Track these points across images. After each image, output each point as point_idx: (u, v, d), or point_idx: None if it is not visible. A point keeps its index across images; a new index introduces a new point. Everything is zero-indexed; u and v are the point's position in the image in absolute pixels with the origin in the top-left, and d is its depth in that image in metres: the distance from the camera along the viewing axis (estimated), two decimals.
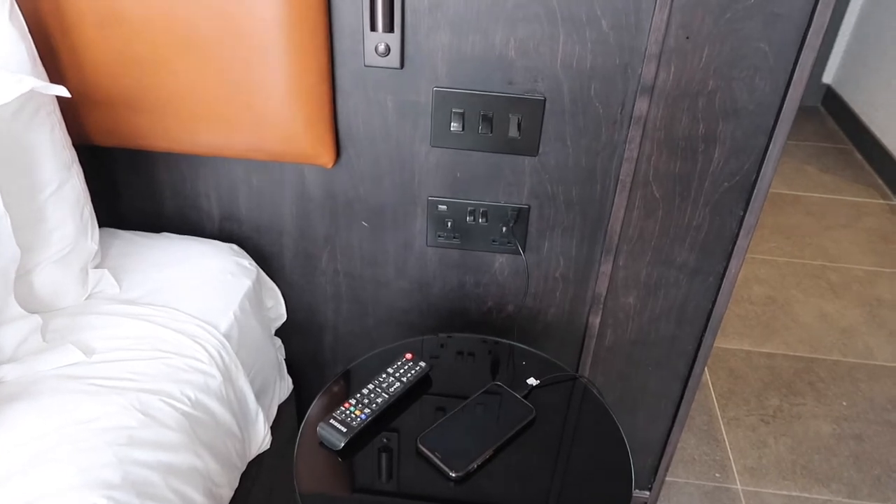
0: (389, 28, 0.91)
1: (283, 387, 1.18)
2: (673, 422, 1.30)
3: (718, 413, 1.83)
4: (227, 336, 0.96)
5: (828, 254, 2.51)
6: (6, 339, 0.82)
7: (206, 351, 0.90)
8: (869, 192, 2.89)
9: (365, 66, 0.95)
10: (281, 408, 1.15)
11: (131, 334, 0.88)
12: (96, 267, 0.96)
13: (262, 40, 0.90)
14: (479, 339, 1.04)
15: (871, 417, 1.85)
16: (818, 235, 2.60)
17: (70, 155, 0.91)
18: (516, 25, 0.91)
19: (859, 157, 3.11)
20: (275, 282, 1.17)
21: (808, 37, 0.88)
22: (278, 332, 1.19)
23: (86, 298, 0.93)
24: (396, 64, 0.95)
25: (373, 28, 0.91)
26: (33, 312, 0.86)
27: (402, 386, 0.94)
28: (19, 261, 0.82)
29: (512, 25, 0.91)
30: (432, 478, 0.83)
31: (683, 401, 1.26)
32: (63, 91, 0.78)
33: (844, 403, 1.90)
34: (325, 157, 1.01)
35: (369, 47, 0.94)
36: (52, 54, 0.92)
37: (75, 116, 0.98)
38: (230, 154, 1.02)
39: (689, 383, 1.23)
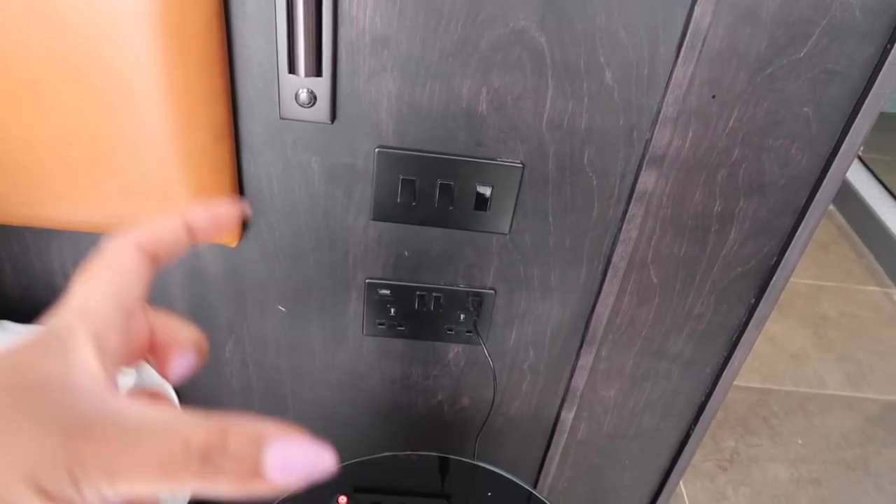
0: (315, 71, 0.65)
1: (180, 500, 0.93)
2: None
3: None
4: None
5: None
6: None
7: None
8: None
9: (281, 118, 0.69)
10: None
11: None
12: None
13: (131, 84, 0.62)
14: (427, 456, 0.82)
15: (828, 457, 1.76)
16: None
17: None
18: (491, 72, 0.67)
19: None
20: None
21: (867, 103, 0.68)
22: None
23: None
24: (325, 117, 0.69)
25: (291, 70, 0.65)
26: None
27: None
28: None
29: (485, 72, 0.67)
30: None
31: (661, 496, 1.08)
32: None
33: (800, 442, 1.80)
34: (226, 235, 0.74)
35: (287, 95, 0.67)
36: None
37: None
38: (91, 230, 0.74)
39: (670, 479, 1.05)
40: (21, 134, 0.65)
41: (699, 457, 1.71)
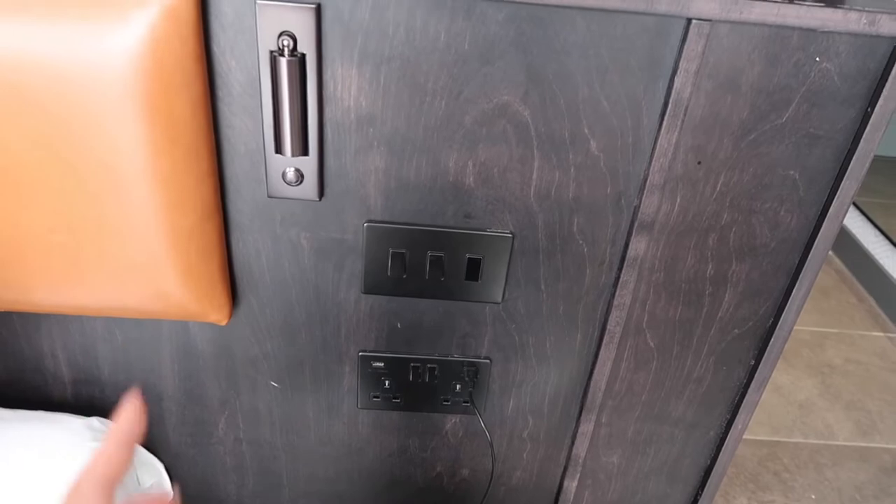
0: (302, 150, 0.65)
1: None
2: None
3: None
4: None
5: None
6: None
7: None
8: None
9: (269, 196, 0.69)
10: None
11: None
12: None
13: (116, 170, 0.62)
14: None
15: None
16: None
17: None
18: (477, 146, 0.67)
19: None
20: (156, 453, 0.88)
21: (852, 165, 0.68)
22: None
23: None
24: (313, 195, 0.69)
25: (278, 150, 0.65)
26: None
27: None
28: None
29: (471, 146, 0.67)
30: None
31: None
32: None
33: (813, 497, 1.75)
34: (216, 314, 0.74)
35: (274, 174, 0.67)
36: None
37: None
38: (79, 313, 0.73)
39: None
40: (5, 220, 0.65)
41: None
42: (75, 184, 0.63)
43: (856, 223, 2.73)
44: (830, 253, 2.81)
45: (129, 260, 0.68)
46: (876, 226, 2.63)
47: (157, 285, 0.69)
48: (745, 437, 1.92)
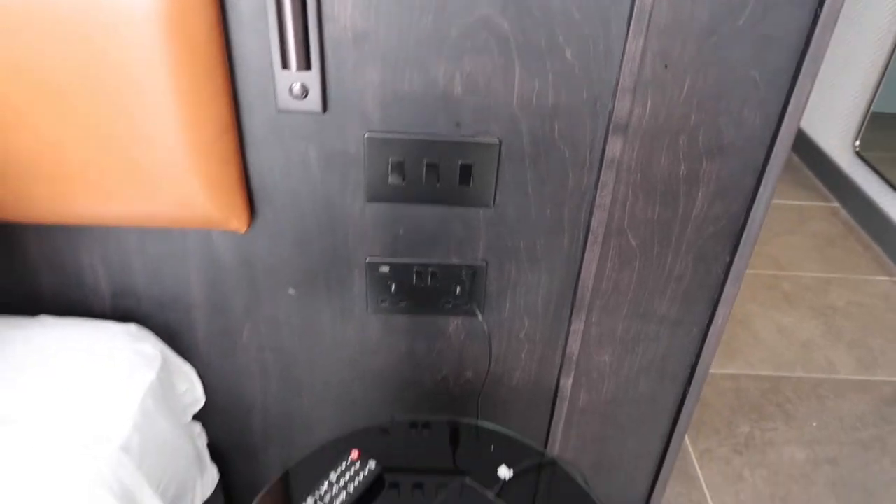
0: (305, 65, 0.74)
1: (207, 480, 0.99)
2: (655, 480, 1.17)
3: (689, 446, 1.72)
4: (125, 449, 0.76)
5: (778, 262, 2.45)
6: None
7: (99, 474, 0.70)
8: (810, 196, 2.87)
9: (278, 110, 0.77)
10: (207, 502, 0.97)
11: None
12: None
13: (141, 85, 0.71)
14: (436, 421, 0.88)
15: (843, 438, 1.78)
16: (767, 243, 2.54)
17: None
18: (462, 57, 0.75)
19: (797, 159, 3.09)
20: (189, 361, 0.97)
21: (805, 63, 0.75)
22: (197, 416, 1.00)
23: None
24: (317, 107, 0.77)
25: (284, 66, 0.74)
26: None
27: (349, 497, 0.77)
28: None
29: (457, 57, 0.75)
30: None
31: (666, 460, 1.12)
32: None
33: (815, 424, 1.82)
34: (236, 222, 0.83)
35: (282, 89, 0.76)
36: None
37: None
38: (115, 223, 0.82)
39: (672, 442, 1.10)
40: (49, 137, 0.74)
41: (714, 442, 1.73)
42: (109, 101, 0.72)
43: (862, 175, 2.76)
44: (836, 204, 2.84)
45: (157, 170, 0.76)
46: (883, 177, 2.66)
47: (182, 194, 0.78)
48: (747, 372, 1.99)
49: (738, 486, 1.62)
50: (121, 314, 0.94)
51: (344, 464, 0.81)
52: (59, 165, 0.76)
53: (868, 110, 2.57)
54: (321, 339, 0.98)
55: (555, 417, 1.07)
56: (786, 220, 2.70)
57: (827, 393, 1.93)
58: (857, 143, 2.70)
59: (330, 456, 0.82)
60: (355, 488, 0.79)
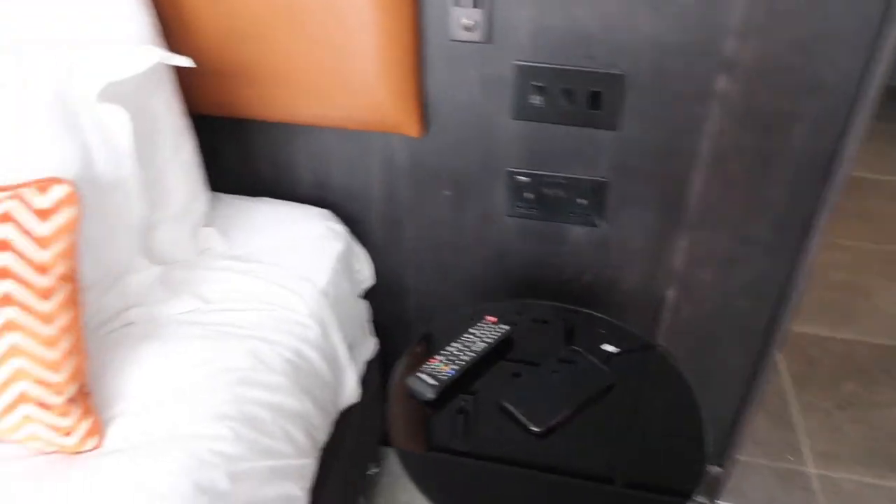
0: (476, 3, 0.96)
1: (369, 346, 1.26)
2: (746, 400, 1.32)
3: (793, 397, 1.82)
4: (323, 293, 1.03)
5: None
6: (134, 287, 0.92)
7: (306, 305, 0.98)
8: None
9: (450, 40, 1.01)
10: (367, 365, 1.23)
11: (240, 287, 0.97)
12: (206, 226, 1.05)
13: (355, 13, 0.96)
14: (557, 306, 1.09)
15: None
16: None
17: (184, 122, 1.00)
18: (598, 0, 0.94)
19: None
20: (365, 245, 1.24)
21: (890, 9, 0.88)
22: (365, 296, 1.27)
23: (198, 254, 1.02)
24: (481, 38, 0.99)
25: (457, 3, 0.96)
26: (155, 265, 0.96)
27: (486, 346, 0.99)
28: (145, 218, 0.92)
29: (594, 0, 0.94)
30: (514, 432, 0.89)
31: (756, 379, 1.27)
32: (188, 62, 0.87)
33: None
34: (413, 128, 1.07)
35: (454, 22, 0.99)
36: (165, 27, 1.00)
37: (182, 87, 1.06)
38: (324, 123, 1.09)
39: (763, 361, 1.24)
40: (286, 52, 1.01)
41: (818, 397, 1.82)
42: (331, 22, 0.97)
43: None
44: None
45: (358, 81, 1.02)
46: None
47: (374, 101, 1.03)
48: (861, 338, 2.03)
49: (835, 435, 1.71)
50: (318, 201, 1.21)
51: (482, 323, 1.04)
52: (289, 73, 1.03)
53: None
54: (466, 236, 1.21)
55: (658, 326, 1.25)
56: None
57: None
58: None
59: (468, 320, 1.05)
60: (491, 340, 1.01)
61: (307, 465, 0.92)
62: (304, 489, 0.90)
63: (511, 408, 0.90)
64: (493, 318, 1.04)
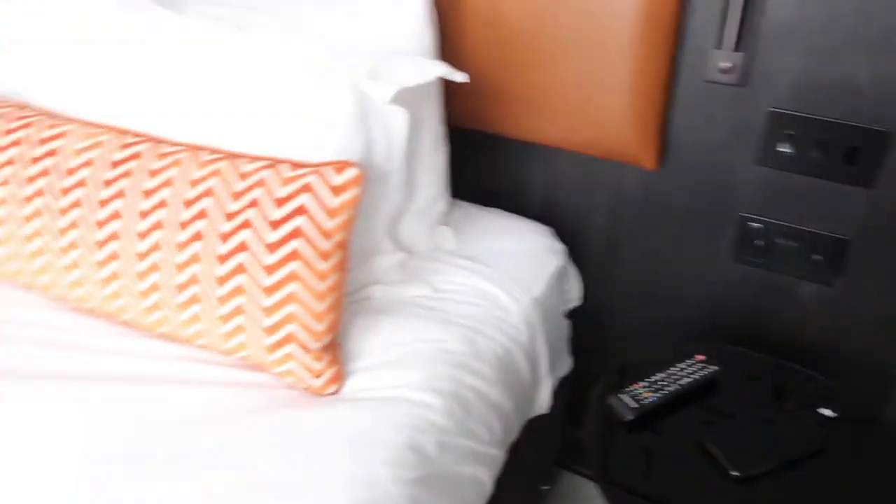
0: (737, 47, 0.97)
1: (566, 363, 1.29)
2: None
3: None
4: (537, 302, 1.09)
5: None
6: (378, 266, 1.05)
7: (521, 310, 1.05)
8: None
9: (705, 81, 1.02)
10: (559, 381, 1.27)
11: (465, 283, 1.06)
12: (443, 225, 1.16)
13: (615, 46, 1.01)
14: (771, 359, 1.05)
15: None
16: None
17: (442, 130, 1.12)
18: (876, 54, 0.91)
19: None
20: (576, 267, 1.28)
21: None
22: (567, 315, 1.31)
23: (433, 248, 1.13)
24: (736, 81, 1.00)
25: (718, 46, 0.98)
26: (399, 251, 1.08)
27: (691, 382, 0.99)
28: (398, 208, 1.05)
29: (871, 54, 0.91)
30: (708, 473, 0.88)
31: None
32: (465, 77, 0.97)
33: None
34: (649, 160, 1.10)
35: (712, 63, 1.00)
36: (443, 44, 1.12)
37: (445, 100, 1.17)
38: (566, 146, 1.15)
39: None
40: (546, 77, 1.09)
41: None
42: (590, 57, 1.04)
43: None
44: None
45: (606, 110, 1.07)
46: None
47: (619, 130, 1.08)
48: None
49: None
50: (543, 219, 1.28)
51: (689, 361, 1.03)
52: (546, 97, 1.11)
53: None
54: (683, 274, 1.21)
55: (888, 402, 1.15)
56: None
57: None
58: None
59: (672, 356, 1.04)
60: (697, 378, 1.00)
61: (498, 456, 0.98)
62: (492, 478, 0.96)
63: (712, 447, 0.89)
64: (702, 357, 1.04)
